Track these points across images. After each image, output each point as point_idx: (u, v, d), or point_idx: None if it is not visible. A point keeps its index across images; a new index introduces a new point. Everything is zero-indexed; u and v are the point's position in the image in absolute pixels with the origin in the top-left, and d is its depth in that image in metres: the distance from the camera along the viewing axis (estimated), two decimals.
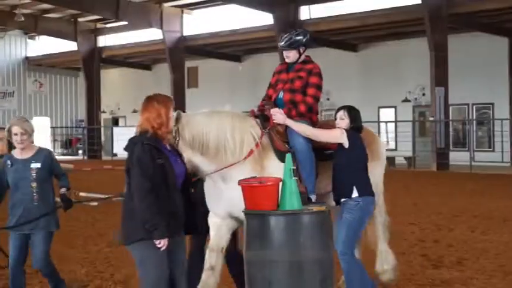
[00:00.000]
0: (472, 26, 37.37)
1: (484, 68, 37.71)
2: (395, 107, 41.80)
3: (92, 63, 53.85)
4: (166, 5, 45.51)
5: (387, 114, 42.43)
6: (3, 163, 8.65)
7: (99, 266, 11.00)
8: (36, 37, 58.95)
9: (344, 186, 8.56)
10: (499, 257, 12.59)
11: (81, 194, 19.89)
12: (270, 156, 8.50)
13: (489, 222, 16.86)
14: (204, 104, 46.41)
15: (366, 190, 8.63)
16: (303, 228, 7.47)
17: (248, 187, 7.62)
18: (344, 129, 8.75)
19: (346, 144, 8.67)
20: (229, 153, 8.29)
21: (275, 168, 8.22)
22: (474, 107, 39.37)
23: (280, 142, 8.63)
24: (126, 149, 7.19)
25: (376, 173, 9.59)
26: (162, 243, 6.88)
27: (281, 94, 8.97)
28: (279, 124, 8.62)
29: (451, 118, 37.16)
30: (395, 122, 41.80)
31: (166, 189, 7.04)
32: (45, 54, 59.41)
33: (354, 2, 39.09)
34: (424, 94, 38.78)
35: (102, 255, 10.47)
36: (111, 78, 57.30)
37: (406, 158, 37.71)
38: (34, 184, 8.45)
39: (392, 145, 41.49)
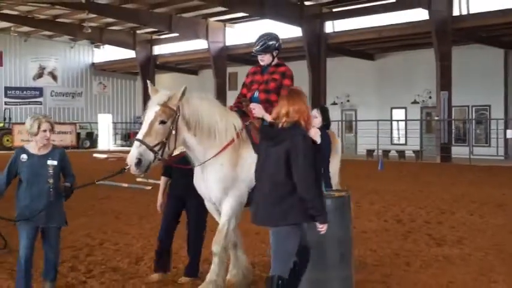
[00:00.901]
0: (472, 39, 37.12)
1: (483, 75, 37.51)
2: (405, 108, 41.61)
3: (148, 69, 54.16)
4: (211, 19, 45.65)
5: (398, 114, 42.29)
6: (15, 156, 7.77)
7: (152, 240, 11.04)
8: (101, 46, 59.24)
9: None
10: (494, 237, 12.54)
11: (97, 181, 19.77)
12: (247, 147, 8.05)
13: (486, 207, 16.78)
14: None
15: (328, 184, 8.41)
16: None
17: None
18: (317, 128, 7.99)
19: (319, 141, 8.22)
20: (217, 137, 7.89)
21: (251, 159, 7.68)
22: (473, 108, 39.16)
23: (257, 136, 7.92)
24: (284, 137, 6.52)
25: (335, 165, 9.34)
26: (324, 228, 6.50)
27: (256, 93, 8.58)
28: (258, 119, 8.21)
29: (453, 118, 36.98)
30: (406, 120, 41.65)
31: (318, 177, 6.69)
32: (108, 61, 59.79)
33: (371, 18, 38.95)
34: (430, 97, 38.60)
35: (155, 231, 10.52)
36: (163, 81, 57.41)
37: (414, 152, 37.50)
38: (51, 180, 7.67)
39: (402, 140, 41.42)
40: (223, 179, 7.88)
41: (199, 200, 8.39)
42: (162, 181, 9.31)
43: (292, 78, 8.57)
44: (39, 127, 7.60)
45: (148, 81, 8.21)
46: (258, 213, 6.66)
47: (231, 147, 7.96)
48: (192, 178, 8.21)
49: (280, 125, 6.59)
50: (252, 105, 8.30)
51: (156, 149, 7.38)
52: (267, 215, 6.58)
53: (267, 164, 6.63)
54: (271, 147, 6.59)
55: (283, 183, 6.46)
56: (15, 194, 7.72)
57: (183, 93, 7.58)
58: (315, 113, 8.64)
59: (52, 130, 7.73)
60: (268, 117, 7.96)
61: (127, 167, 7.41)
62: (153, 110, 7.52)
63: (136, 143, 7.39)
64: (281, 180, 6.47)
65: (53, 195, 7.70)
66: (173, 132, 7.52)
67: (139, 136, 7.41)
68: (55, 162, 7.72)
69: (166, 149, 7.53)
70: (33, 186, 7.63)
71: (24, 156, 7.69)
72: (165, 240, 9.07)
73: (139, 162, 7.26)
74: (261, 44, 8.57)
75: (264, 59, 8.60)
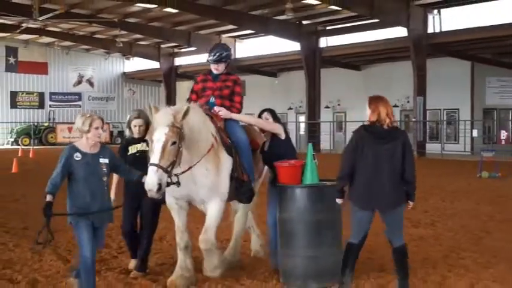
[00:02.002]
0: (444, 53, 37.06)
1: (453, 83, 37.49)
2: None
3: (170, 77, 54.26)
4: (224, 35, 45.62)
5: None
6: (68, 154, 6.58)
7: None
8: (131, 58, 59.28)
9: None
10: (461, 219, 12.53)
11: None
12: (222, 150, 7.54)
13: (455, 194, 16.77)
14: (249, 108, 46.71)
15: None
16: (320, 197, 7.48)
17: (281, 167, 7.59)
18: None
19: (283, 136, 8.03)
20: (201, 144, 7.24)
21: (227, 159, 7.54)
22: (445, 111, 39.12)
23: (225, 137, 7.71)
24: (395, 135, 6.75)
25: None
26: (412, 205, 6.98)
27: (212, 99, 7.99)
28: (224, 120, 7.86)
29: (427, 119, 36.93)
30: None
31: None
32: (136, 71, 59.84)
33: (358, 35, 39.03)
34: (408, 101, 38.54)
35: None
36: (184, 88, 57.44)
37: None
38: (105, 178, 6.69)
39: None
40: (210, 182, 7.38)
41: (153, 200, 7.16)
42: (115, 178, 8.18)
43: (242, 86, 8.36)
44: (91, 124, 6.63)
45: (149, 105, 7.17)
46: (380, 199, 6.78)
47: (212, 152, 7.38)
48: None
49: (385, 126, 6.76)
50: (217, 108, 7.85)
51: (169, 169, 6.71)
52: (390, 199, 6.78)
53: (382, 158, 6.70)
54: (384, 144, 6.69)
55: (399, 172, 6.70)
56: (68, 192, 6.69)
57: (187, 113, 6.88)
58: (266, 115, 8.20)
59: (103, 128, 6.81)
60: (239, 116, 8.04)
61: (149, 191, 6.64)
62: (162, 131, 6.76)
63: (153, 168, 6.60)
64: (398, 169, 6.69)
65: (107, 193, 6.83)
66: (180, 149, 6.86)
67: (155, 160, 6.64)
68: (107, 160, 6.72)
69: (176, 166, 6.87)
70: (91, 184, 6.57)
71: (78, 155, 6.58)
72: (129, 231, 8.25)
73: (160, 188, 6.58)
74: (217, 54, 8.10)
75: (219, 68, 8.13)
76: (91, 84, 59.39)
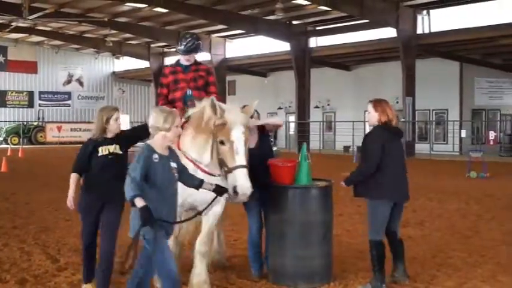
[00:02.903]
0: (433, 53, 37.19)
1: (441, 83, 37.60)
2: None
3: (159, 77, 54.04)
4: (214, 35, 45.58)
5: None
6: (147, 154, 5.72)
7: None
8: (121, 57, 59.13)
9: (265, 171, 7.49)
10: (449, 219, 12.58)
11: None
12: None
13: (443, 194, 16.82)
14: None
15: None
16: (312, 198, 7.47)
17: (281, 167, 7.52)
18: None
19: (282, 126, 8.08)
20: None
21: None
22: (433, 111, 39.24)
23: None
24: (401, 133, 7.43)
25: None
26: None
27: (190, 91, 7.58)
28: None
29: (416, 119, 37.03)
30: None
31: None
32: (126, 70, 59.68)
33: (348, 35, 39.12)
34: (397, 102, 38.52)
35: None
36: None
37: None
38: (176, 186, 5.95)
39: None
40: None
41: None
42: (74, 178, 6.73)
43: (214, 75, 8.11)
44: (173, 122, 5.85)
45: (213, 98, 6.56)
46: (404, 190, 7.39)
47: None
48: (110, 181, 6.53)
49: (394, 125, 7.30)
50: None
51: None
52: (408, 191, 7.46)
53: (401, 153, 7.41)
54: (399, 140, 7.38)
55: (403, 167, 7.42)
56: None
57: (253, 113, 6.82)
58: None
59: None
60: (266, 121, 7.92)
61: (242, 196, 6.25)
62: (240, 131, 6.39)
63: (245, 170, 6.25)
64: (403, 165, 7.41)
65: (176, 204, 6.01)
66: None
67: (244, 162, 6.28)
68: (175, 165, 5.95)
69: None
70: (166, 191, 5.77)
71: (156, 156, 5.73)
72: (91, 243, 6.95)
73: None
74: (190, 44, 7.60)
75: (190, 59, 7.69)
76: (81, 83, 59.22)
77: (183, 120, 6.97)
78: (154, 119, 5.86)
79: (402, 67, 34.74)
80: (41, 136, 51.86)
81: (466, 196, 16.44)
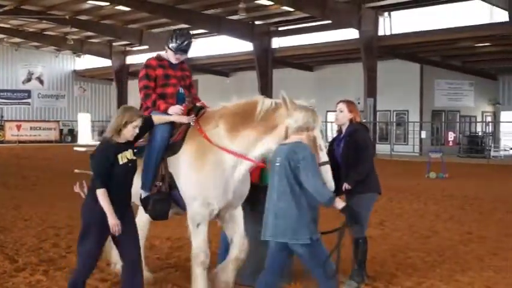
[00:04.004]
0: (394, 55, 37.55)
1: (402, 85, 37.98)
2: None
3: (122, 76, 53.78)
4: None
5: (333, 116, 42.42)
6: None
7: None
8: (82, 56, 58.54)
9: None
10: (409, 220, 12.70)
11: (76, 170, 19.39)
12: None
13: (403, 195, 16.96)
14: None
15: None
16: None
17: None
18: None
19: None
20: None
21: None
22: (394, 112, 39.62)
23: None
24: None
25: None
26: None
27: (181, 90, 7.28)
28: None
29: (377, 120, 37.34)
30: None
31: None
32: (87, 68, 59.07)
33: (311, 36, 39.28)
34: (359, 103, 38.78)
35: None
36: (135, 86, 56.97)
37: None
38: None
39: None
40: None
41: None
42: (106, 195, 6.14)
43: None
44: (315, 121, 5.79)
45: (283, 95, 6.23)
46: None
47: None
48: None
49: None
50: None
51: None
52: None
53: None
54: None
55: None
56: (295, 206, 5.59)
57: None
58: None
59: None
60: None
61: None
62: (320, 127, 6.13)
63: (330, 167, 5.98)
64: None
65: None
66: None
67: (327, 158, 6.01)
68: None
69: None
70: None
71: (278, 159, 5.73)
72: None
73: None
74: (186, 43, 7.22)
75: (181, 58, 7.30)
76: (41, 81, 58.46)
77: (193, 115, 6.78)
78: (302, 118, 5.84)
79: (364, 68, 35.02)
80: (0, 135, 51.13)
81: (425, 196, 16.62)
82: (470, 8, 32.30)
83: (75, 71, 60.15)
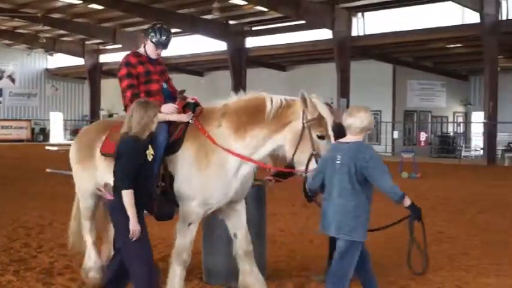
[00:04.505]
0: (367, 55, 37.77)
1: (375, 85, 38.18)
2: None
3: (95, 75, 53.43)
4: None
5: None
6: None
7: None
8: (54, 54, 58.07)
9: None
10: (378, 220, 12.70)
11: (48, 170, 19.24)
12: None
13: (374, 195, 16.92)
14: None
15: None
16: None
17: None
18: None
19: None
20: None
21: None
22: None
23: None
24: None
25: None
26: None
27: (165, 85, 7.11)
28: None
29: None
30: None
31: None
32: (60, 67, 58.63)
33: (284, 36, 39.38)
34: (332, 103, 38.94)
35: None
36: (108, 85, 56.75)
37: None
38: None
39: None
40: None
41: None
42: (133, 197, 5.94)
43: None
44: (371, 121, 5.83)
45: (303, 91, 6.24)
46: None
47: None
48: None
49: None
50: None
51: None
52: None
53: None
54: None
55: None
56: (354, 204, 5.76)
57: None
58: None
59: None
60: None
61: None
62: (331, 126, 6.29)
63: None
64: None
65: None
66: None
67: None
68: None
69: None
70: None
71: (339, 158, 5.80)
72: None
73: None
74: (168, 37, 7.04)
75: (160, 53, 7.11)
76: (12, 80, 57.84)
77: (190, 113, 6.59)
78: (366, 118, 5.79)
79: (337, 68, 35.18)
80: None
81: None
82: (442, 10, 32.61)
83: (47, 70, 59.64)
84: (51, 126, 57.15)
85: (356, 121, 5.75)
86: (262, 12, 36.62)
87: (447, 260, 8.96)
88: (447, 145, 37.78)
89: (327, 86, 38.28)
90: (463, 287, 7.56)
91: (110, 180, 6.15)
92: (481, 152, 35.04)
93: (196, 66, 48.12)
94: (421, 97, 40.08)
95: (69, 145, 6.79)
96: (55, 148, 37.14)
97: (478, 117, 39.63)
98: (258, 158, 6.41)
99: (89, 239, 7.39)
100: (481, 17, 29.48)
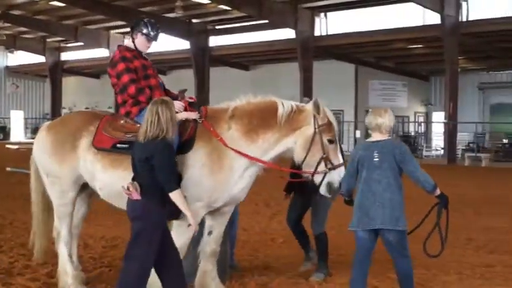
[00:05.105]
0: (330, 55, 38.00)
1: (337, 85, 38.42)
2: None
3: (56, 72, 52.84)
4: (112, 31, 44.96)
5: None
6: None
7: None
8: (15, 51, 57.34)
9: None
10: (341, 218, 12.77)
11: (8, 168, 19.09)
12: None
13: None
14: None
15: None
16: None
17: None
18: None
19: None
20: None
21: None
22: None
23: None
24: None
25: None
26: None
27: (161, 80, 7.17)
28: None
29: None
30: None
31: None
32: (21, 65, 57.95)
33: (248, 35, 39.40)
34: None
35: None
36: (70, 83, 56.22)
37: None
38: None
39: None
40: None
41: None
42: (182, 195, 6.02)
43: None
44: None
45: (317, 98, 6.63)
46: None
47: None
48: None
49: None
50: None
51: None
52: None
53: None
54: None
55: None
56: (399, 196, 6.22)
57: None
58: None
59: None
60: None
61: None
62: None
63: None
64: None
65: None
66: None
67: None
68: None
69: None
70: None
71: (377, 155, 6.22)
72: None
73: None
74: (158, 31, 7.09)
75: (151, 47, 7.11)
76: None
77: (196, 112, 6.53)
78: (391, 119, 6.36)
79: (300, 68, 35.32)
80: None
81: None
82: (404, 11, 32.93)
83: (7, 67, 58.85)
84: (12, 125, 56.45)
85: (385, 121, 6.25)
86: (225, 11, 36.61)
87: None
88: (408, 144, 37.91)
89: (290, 85, 38.39)
90: (424, 285, 7.63)
91: (105, 178, 6.28)
92: (442, 151, 35.52)
93: (159, 64, 47.67)
94: (383, 97, 40.44)
95: (30, 143, 6.59)
96: (15, 146, 36.71)
97: (438, 117, 40.14)
98: (267, 160, 6.54)
99: (64, 252, 6.89)
100: (442, 18, 29.85)
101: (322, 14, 36.08)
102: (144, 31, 6.94)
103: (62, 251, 6.91)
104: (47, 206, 7.17)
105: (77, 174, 6.72)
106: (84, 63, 51.96)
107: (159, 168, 5.49)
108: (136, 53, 6.96)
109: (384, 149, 6.14)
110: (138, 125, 6.28)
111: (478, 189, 19.64)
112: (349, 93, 39.08)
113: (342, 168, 6.46)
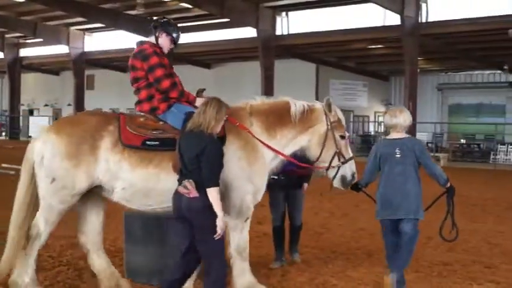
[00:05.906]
0: (291, 55, 38.14)
1: (299, 83, 38.50)
2: None
3: (15, 69, 52.05)
4: (72, 28, 44.48)
5: None
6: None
7: None
8: None
9: None
10: (304, 216, 12.85)
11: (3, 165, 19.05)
12: None
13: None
14: (98, 103, 45.99)
15: None
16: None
17: None
18: None
19: None
20: None
21: None
22: None
23: None
24: None
25: None
26: None
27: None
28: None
29: None
30: None
31: None
32: None
33: (209, 33, 39.34)
34: None
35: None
36: (29, 80, 55.47)
37: None
38: None
39: None
40: None
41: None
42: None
43: None
44: None
45: (329, 97, 7.19)
46: None
47: None
48: None
49: None
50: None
51: None
52: None
53: None
54: None
55: None
56: (419, 188, 6.89)
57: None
58: None
59: None
60: None
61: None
62: None
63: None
64: None
65: None
66: None
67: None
68: None
69: None
70: None
71: (398, 151, 6.94)
72: None
73: None
74: (179, 36, 7.37)
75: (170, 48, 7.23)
76: None
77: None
78: (408, 118, 7.02)
79: (261, 67, 35.38)
80: None
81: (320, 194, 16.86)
82: (364, 11, 33.19)
83: None
84: None
85: (399, 121, 6.88)
86: (187, 9, 36.44)
87: (366, 256, 9.13)
88: (369, 144, 38.41)
89: (252, 84, 38.48)
90: (380, 283, 7.70)
91: (132, 177, 6.30)
92: None
93: (120, 62, 47.41)
94: (344, 96, 40.71)
95: None
96: None
97: None
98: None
99: (33, 254, 6.59)
100: (402, 19, 30.14)
101: (283, 13, 36.19)
102: (174, 34, 7.24)
103: (34, 252, 6.58)
104: (30, 213, 6.68)
105: (93, 177, 6.40)
106: (44, 59, 51.35)
107: (206, 162, 5.60)
108: (161, 51, 7.11)
109: (405, 146, 6.80)
110: (161, 123, 6.55)
111: (437, 188, 19.82)
112: (310, 92, 39.20)
113: (353, 162, 7.06)
